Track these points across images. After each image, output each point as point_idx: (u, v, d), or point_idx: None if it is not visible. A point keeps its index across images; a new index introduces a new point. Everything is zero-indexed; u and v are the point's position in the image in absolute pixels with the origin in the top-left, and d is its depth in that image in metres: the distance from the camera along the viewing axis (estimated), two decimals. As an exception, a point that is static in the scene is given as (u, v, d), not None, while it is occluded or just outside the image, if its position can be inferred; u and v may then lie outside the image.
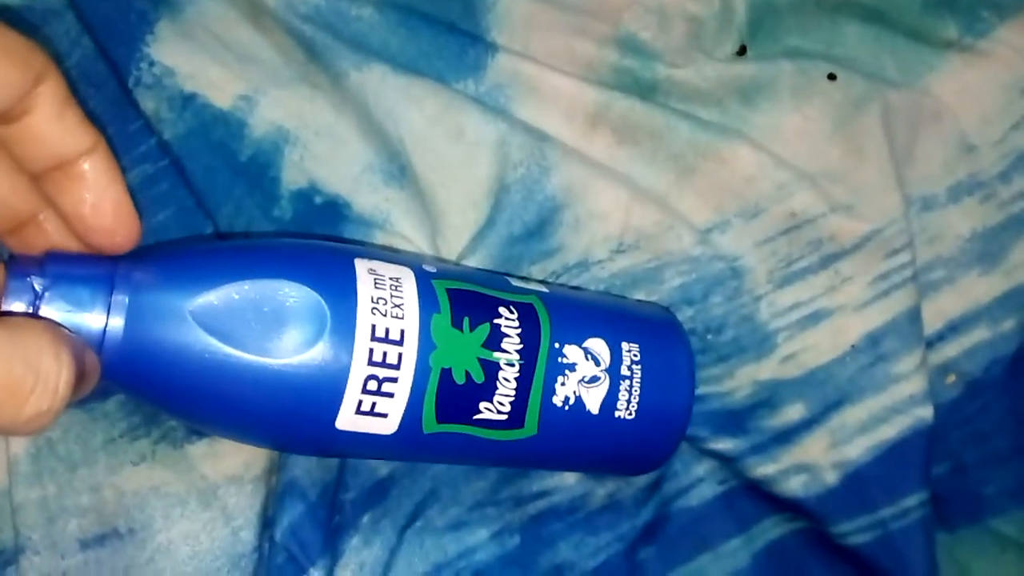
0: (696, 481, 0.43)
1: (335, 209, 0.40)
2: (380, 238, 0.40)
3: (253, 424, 0.33)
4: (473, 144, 0.41)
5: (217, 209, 0.40)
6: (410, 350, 0.32)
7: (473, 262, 0.41)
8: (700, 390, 0.42)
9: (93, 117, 0.40)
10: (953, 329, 0.44)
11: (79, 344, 0.27)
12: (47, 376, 0.24)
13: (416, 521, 0.39)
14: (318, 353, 0.31)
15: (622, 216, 0.42)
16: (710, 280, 0.42)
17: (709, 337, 0.42)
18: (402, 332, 0.32)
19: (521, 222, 0.41)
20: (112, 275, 0.29)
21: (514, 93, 0.42)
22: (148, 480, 0.39)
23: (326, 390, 0.31)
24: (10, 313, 0.27)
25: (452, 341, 0.33)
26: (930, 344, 0.44)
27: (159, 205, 0.40)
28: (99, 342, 0.28)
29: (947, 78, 0.44)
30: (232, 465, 0.39)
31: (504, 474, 0.41)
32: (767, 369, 0.42)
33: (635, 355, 0.37)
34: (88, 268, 0.29)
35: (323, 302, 0.31)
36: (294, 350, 0.31)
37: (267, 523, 0.38)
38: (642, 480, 0.42)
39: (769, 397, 0.42)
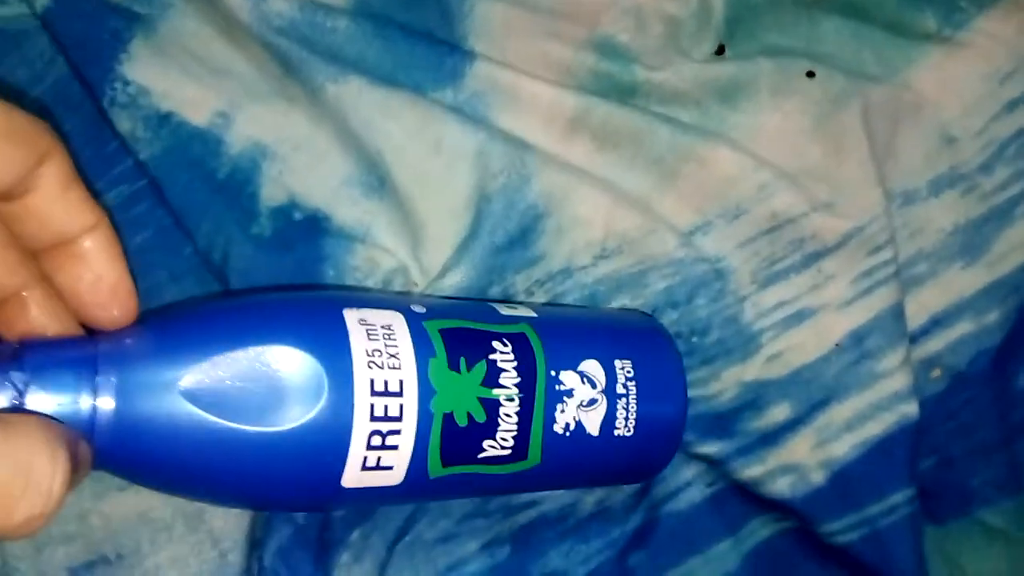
0: (684, 485, 0.43)
1: (315, 223, 0.40)
2: (361, 251, 0.40)
3: (257, 494, 0.32)
4: (452, 155, 0.41)
5: (196, 228, 0.40)
6: (411, 400, 0.32)
7: (457, 274, 0.41)
8: (688, 393, 0.42)
9: (69, 139, 0.41)
10: (937, 323, 0.44)
11: (73, 436, 0.26)
12: (40, 478, 0.23)
13: (406, 536, 0.39)
14: (318, 416, 0.30)
15: (604, 221, 0.42)
16: (694, 282, 0.42)
17: (694, 339, 0.42)
18: (401, 382, 0.32)
19: (504, 231, 0.41)
20: (95, 355, 0.28)
21: (493, 101, 0.42)
22: (134, 506, 0.39)
23: (330, 452, 0.30)
24: None
25: (451, 384, 0.33)
26: (914, 339, 0.44)
27: (137, 226, 0.40)
28: (90, 427, 0.27)
29: (927, 70, 0.44)
30: (219, 486, 0.39)
31: (492, 486, 0.41)
32: (752, 370, 0.42)
33: (628, 371, 0.37)
34: (69, 351, 0.28)
35: (318, 363, 0.30)
36: (294, 416, 0.30)
37: (255, 545, 0.38)
38: (630, 486, 0.43)
39: (755, 399, 0.42)
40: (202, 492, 0.32)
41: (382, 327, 0.32)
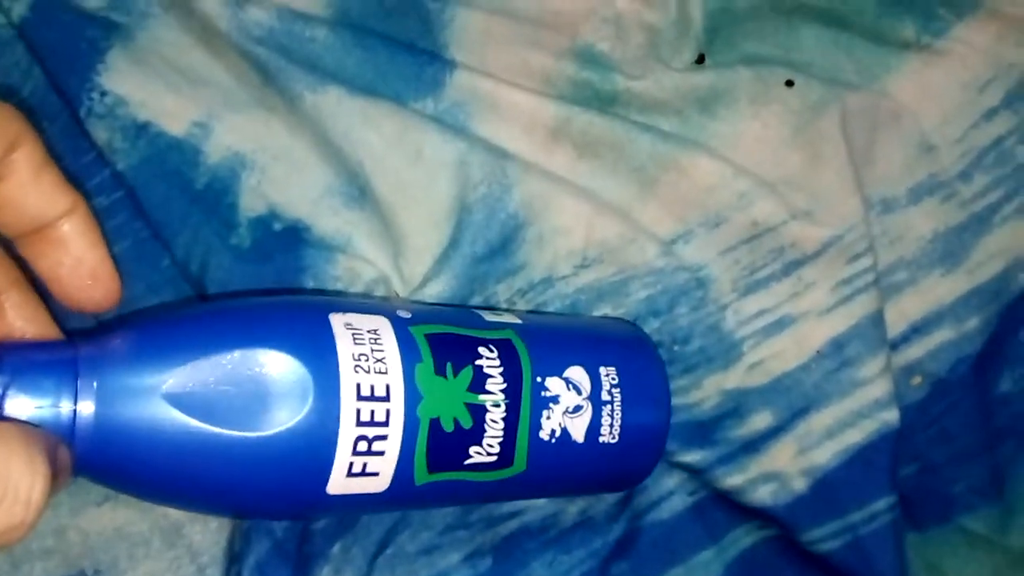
0: (667, 494, 0.43)
1: (295, 234, 0.40)
2: (342, 262, 0.40)
3: (241, 500, 0.31)
4: (432, 164, 0.41)
5: (174, 239, 0.39)
6: (397, 405, 0.31)
7: (438, 284, 0.41)
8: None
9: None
10: (917, 330, 0.44)
11: (52, 442, 0.25)
12: (18, 486, 0.22)
13: (387, 548, 0.39)
14: (304, 420, 0.29)
15: (585, 231, 0.42)
16: (675, 291, 0.42)
17: (676, 348, 0.42)
18: (387, 387, 0.31)
19: (484, 241, 0.41)
20: (75, 358, 0.27)
21: (473, 110, 0.41)
22: (111, 520, 0.38)
23: (315, 457, 0.30)
24: None
25: (438, 390, 0.32)
26: (894, 346, 0.44)
27: (115, 237, 0.40)
28: (70, 433, 0.26)
29: (906, 78, 0.44)
30: (197, 501, 0.39)
31: (474, 497, 0.41)
32: (734, 378, 0.42)
33: (613, 378, 0.37)
34: (48, 354, 0.27)
35: (304, 367, 0.30)
36: (279, 421, 0.29)
37: (233, 559, 0.38)
38: (613, 495, 0.42)
39: (736, 407, 0.42)
40: (185, 499, 0.32)
41: (368, 331, 0.32)
